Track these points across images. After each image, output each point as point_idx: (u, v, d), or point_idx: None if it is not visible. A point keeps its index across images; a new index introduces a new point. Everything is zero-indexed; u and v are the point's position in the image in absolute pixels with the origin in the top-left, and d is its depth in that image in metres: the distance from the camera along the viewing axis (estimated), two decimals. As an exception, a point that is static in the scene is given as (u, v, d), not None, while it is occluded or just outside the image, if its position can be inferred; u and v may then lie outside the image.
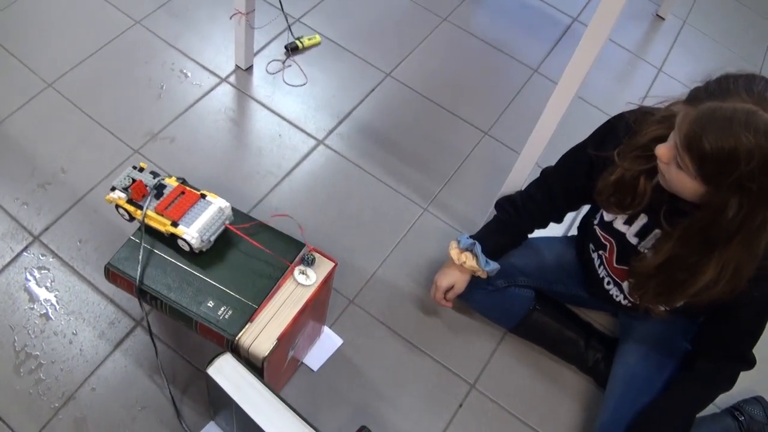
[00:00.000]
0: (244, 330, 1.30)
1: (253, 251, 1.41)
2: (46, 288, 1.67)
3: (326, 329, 1.70)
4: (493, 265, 1.60)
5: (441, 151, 2.12)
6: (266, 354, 1.28)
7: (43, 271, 1.69)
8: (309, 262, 1.38)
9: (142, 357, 1.60)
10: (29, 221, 1.76)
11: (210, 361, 1.29)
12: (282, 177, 1.96)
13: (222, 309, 1.33)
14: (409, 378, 1.69)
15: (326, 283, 1.39)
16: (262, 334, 1.30)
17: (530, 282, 1.72)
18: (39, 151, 1.89)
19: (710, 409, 1.68)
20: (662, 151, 1.19)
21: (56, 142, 1.91)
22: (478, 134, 2.18)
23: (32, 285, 1.67)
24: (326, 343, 1.69)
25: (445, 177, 2.06)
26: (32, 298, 1.65)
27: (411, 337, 1.75)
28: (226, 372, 1.28)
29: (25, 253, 1.71)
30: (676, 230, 1.27)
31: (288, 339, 1.34)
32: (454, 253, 1.60)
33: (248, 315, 1.32)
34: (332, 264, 1.40)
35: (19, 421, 1.49)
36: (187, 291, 1.35)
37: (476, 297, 1.70)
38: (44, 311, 1.63)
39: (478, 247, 1.58)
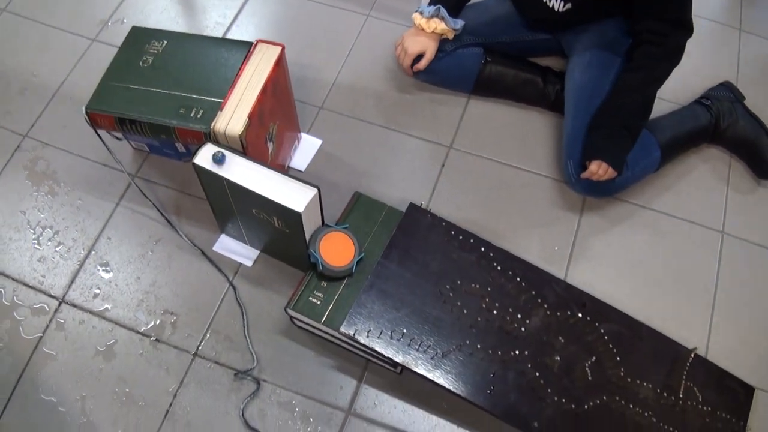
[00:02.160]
0: (215, 119, 1.42)
1: (206, 57, 1.53)
2: (45, 172, 1.79)
3: (303, 135, 1.83)
4: (460, 22, 1.73)
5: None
6: (241, 131, 1.40)
7: (39, 161, 1.81)
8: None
9: (145, 203, 1.73)
10: (16, 124, 1.88)
11: (194, 154, 1.41)
12: (228, 25, 2.06)
13: (193, 111, 1.45)
14: (390, 155, 1.82)
15: (279, 65, 1.50)
16: (233, 118, 1.42)
17: (476, 39, 1.82)
18: (8, 65, 1.99)
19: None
20: None
21: (21, 54, 2.01)
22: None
23: (32, 173, 1.79)
24: (307, 147, 1.81)
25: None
26: (34, 183, 1.78)
27: (383, 123, 1.87)
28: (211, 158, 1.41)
29: (17, 153, 1.83)
30: None
31: (259, 118, 1.46)
32: (422, 23, 1.72)
33: (217, 108, 1.44)
34: (279, 47, 1.51)
35: (49, 282, 1.65)
36: (159, 109, 1.48)
37: (431, 68, 1.81)
38: (48, 190, 1.77)
39: (443, 10, 1.69)
